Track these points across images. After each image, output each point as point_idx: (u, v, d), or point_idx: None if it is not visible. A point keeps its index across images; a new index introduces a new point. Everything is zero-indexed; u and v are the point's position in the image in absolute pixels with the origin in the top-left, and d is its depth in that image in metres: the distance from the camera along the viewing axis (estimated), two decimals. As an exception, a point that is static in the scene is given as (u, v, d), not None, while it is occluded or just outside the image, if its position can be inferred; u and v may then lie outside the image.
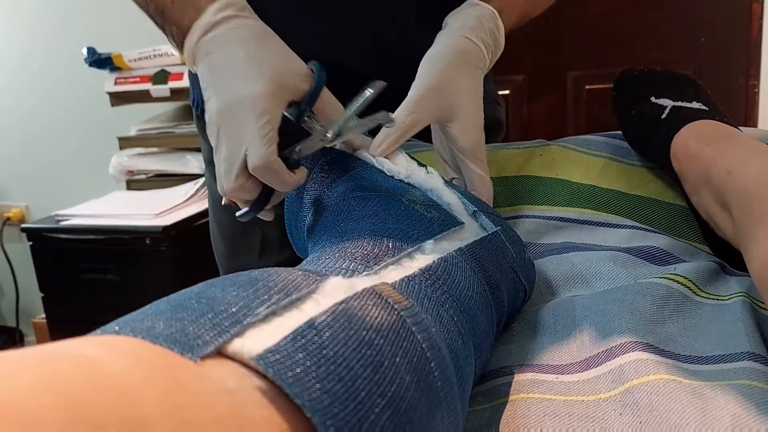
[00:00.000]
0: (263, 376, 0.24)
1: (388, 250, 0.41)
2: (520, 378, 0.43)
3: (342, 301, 0.29)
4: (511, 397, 0.41)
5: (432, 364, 0.31)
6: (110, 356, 0.21)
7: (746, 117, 1.30)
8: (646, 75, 0.72)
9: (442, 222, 0.48)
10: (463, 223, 0.49)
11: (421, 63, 0.62)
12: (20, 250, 2.17)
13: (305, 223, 0.55)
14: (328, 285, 0.31)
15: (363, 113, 0.54)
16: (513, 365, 0.45)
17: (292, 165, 0.52)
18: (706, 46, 1.30)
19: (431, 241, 0.44)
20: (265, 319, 0.26)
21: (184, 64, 1.65)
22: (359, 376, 0.26)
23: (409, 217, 0.47)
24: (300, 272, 0.31)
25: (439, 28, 0.66)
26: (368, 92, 0.54)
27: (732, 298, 0.48)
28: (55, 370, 0.19)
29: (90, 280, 1.68)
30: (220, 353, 0.24)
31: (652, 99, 0.68)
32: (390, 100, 0.58)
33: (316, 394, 0.24)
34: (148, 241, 1.59)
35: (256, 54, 0.53)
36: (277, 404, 0.23)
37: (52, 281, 1.76)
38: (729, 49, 1.30)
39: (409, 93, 0.59)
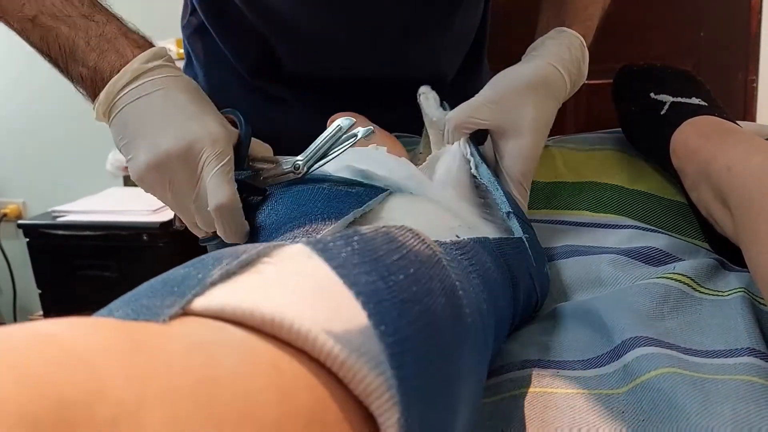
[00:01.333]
0: (237, 325, 0.23)
1: (324, 222, 0.42)
2: (522, 374, 0.43)
3: (383, 226, 0.31)
4: (513, 392, 0.41)
5: (463, 301, 0.31)
6: (67, 330, 0.20)
7: (745, 112, 1.30)
8: (645, 71, 0.72)
9: (368, 193, 0.48)
10: (387, 190, 0.49)
11: (498, 74, 0.61)
12: (17, 247, 2.16)
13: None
14: (291, 249, 0.29)
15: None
16: (516, 362, 0.45)
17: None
18: (705, 42, 1.30)
19: (365, 206, 0.45)
20: (223, 278, 0.25)
21: (180, 59, 1.65)
22: (398, 281, 0.27)
23: (335, 197, 0.48)
24: (248, 245, 0.31)
25: (427, 42, 0.65)
26: (341, 130, 0.53)
27: (732, 293, 0.48)
28: (11, 348, 0.18)
29: (87, 276, 1.68)
30: (187, 314, 0.23)
31: (652, 95, 0.68)
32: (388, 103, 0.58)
33: (362, 280, 0.25)
34: (145, 237, 1.59)
35: (199, 100, 0.53)
36: (253, 346, 0.22)
37: (50, 278, 1.76)
38: (728, 45, 1.30)
39: (474, 97, 0.59)
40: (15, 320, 2.34)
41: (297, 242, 0.36)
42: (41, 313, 1.87)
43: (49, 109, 2.16)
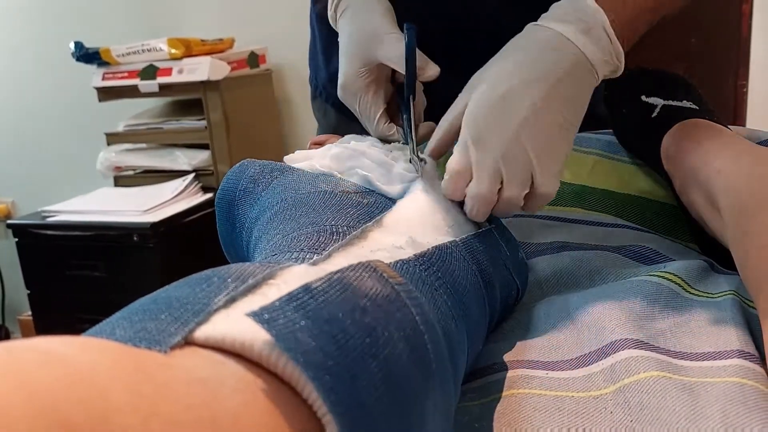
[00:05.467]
0: (239, 358, 0.24)
1: (333, 236, 0.41)
2: (510, 374, 0.43)
3: (338, 271, 0.30)
4: (501, 394, 0.41)
5: (425, 337, 0.31)
6: (75, 351, 0.20)
7: (735, 117, 1.30)
8: (637, 74, 0.72)
9: (379, 205, 0.48)
10: (394, 202, 0.49)
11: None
12: (6, 247, 2.15)
13: (242, 241, 0.55)
14: (292, 271, 0.30)
15: None
16: (503, 362, 0.45)
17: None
18: (696, 47, 1.30)
19: (373, 221, 0.44)
20: (227, 305, 0.26)
21: (172, 59, 1.65)
22: (352, 336, 0.26)
23: (346, 206, 0.47)
24: (255, 263, 0.31)
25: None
26: None
27: (722, 296, 0.48)
28: (19, 364, 0.18)
29: (77, 276, 1.67)
30: (189, 343, 0.24)
31: (643, 98, 0.68)
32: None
33: (310, 348, 0.24)
34: (135, 238, 1.58)
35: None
36: (253, 387, 0.23)
37: (39, 278, 1.75)
38: (719, 50, 1.30)
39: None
40: (3, 320, 2.32)
41: (303, 259, 0.36)
42: (30, 313, 1.85)
43: (39, 108, 2.15)
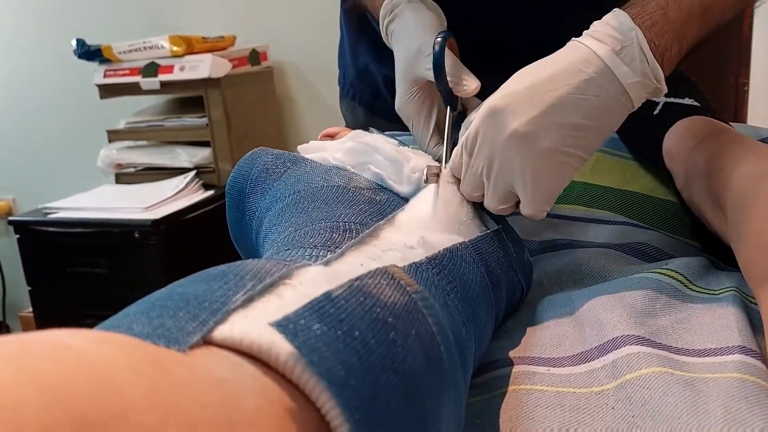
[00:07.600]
0: (255, 361, 0.24)
1: (346, 233, 0.41)
2: (512, 371, 0.43)
3: (357, 278, 0.30)
4: (503, 390, 0.41)
5: (441, 348, 0.31)
6: (90, 345, 0.20)
7: (736, 115, 1.30)
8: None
9: (391, 203, 0.49)
10: (406, 200, 0.50)
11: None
12: (7, 244, 2.15)
13: (251, 230, 0.55)
14: (308, 271, 0.30)
15: None
16: (505, 358, 0.45)
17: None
18: (697, 44, 1.30)
19: (386, 219, 0.44)
20: (244, 304, 0.26)
21: (174, 56, 1.65)
22: (374, 351, 0.26)
23: (358, 202, 0.47)
24: (270, 260, 0.31)
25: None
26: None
27: (723, 292, 0.48)
28: (34, 358, 0.18)
29: (78, 273, 1.67)
30: (207, 342, 0.24)
31: (645, 95, 0.68)
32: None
33: (333, 365, 0.24)
34: (136, 235, 1.58)
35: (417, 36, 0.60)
36: (269, 391, 0.23)
37: (40, 275, 1.75)
38: (720, 48, 1.30)
39: None
40: (4, 317, 2.32)
41: (317, 256, 0.37)
42: (31, 310, 1.86)
43: (40, 105, 2.15)
